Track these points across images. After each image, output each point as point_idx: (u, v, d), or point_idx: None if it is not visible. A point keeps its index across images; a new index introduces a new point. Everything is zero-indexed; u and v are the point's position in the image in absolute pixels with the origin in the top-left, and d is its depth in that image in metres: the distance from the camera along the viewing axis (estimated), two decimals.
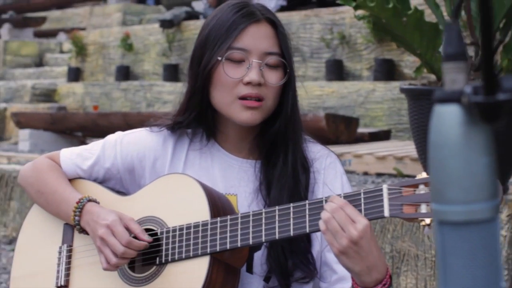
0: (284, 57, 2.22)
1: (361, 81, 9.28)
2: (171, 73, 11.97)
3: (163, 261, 2.16)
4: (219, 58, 2.19)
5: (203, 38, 2.25)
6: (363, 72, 9.50)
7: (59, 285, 2.33)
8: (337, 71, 9.56)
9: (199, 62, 2.24)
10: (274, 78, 2.20)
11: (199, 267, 2.09)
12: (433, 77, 5.18)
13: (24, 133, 10.87)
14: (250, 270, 2.22)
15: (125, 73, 12.58)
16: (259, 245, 2.19)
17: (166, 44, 12.06)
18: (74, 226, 2.28)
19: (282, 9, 11.08)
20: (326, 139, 6.17)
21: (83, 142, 11.08)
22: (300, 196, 2.21)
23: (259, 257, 2.21)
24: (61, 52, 15.72)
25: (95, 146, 2.39)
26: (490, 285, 1.08)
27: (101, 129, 10.57)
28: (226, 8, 2.25)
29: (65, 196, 2.31)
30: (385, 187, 1.91)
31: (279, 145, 2.25)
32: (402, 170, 6.17)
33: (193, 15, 12.41)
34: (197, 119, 2.29)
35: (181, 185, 2.19)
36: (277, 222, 2.02)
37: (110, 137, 2.40)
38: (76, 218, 2.25)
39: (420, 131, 4.83)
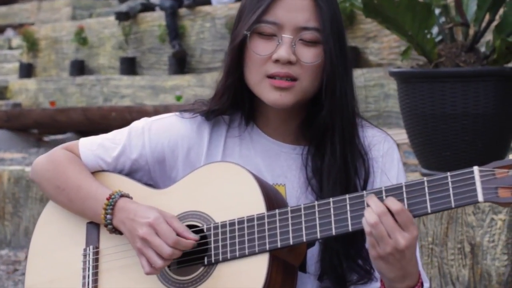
0: (324, 33, 1.96)
1: None
2: (128, 66, 11.77)
3: (213, 260, 1.91)
4: (245, 33, 1.97)
5: (239, 10, 2.04)
6: None
7: None
8: None
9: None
10: (309, 56, 1.96)
11: (258, 266, 1.85)
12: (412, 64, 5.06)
13: None
14: (303, 269, 2.00)
15: (79, 68, 12.35)
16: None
17: (122, 37, 11.83)
18: (105, 226, 2.02)
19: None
20: None
21: (40, 139, 10.79)
22: (354, 185, 2.00)
23: (313, 254, 2.00)
24: (10, 48, 15.41)
25: (118, 135, 2.13)
26: None
27: (60, 125, 10.32)
28: None
29: (92, 192, 2.05)
30: (476, 168, 1.70)
31: (328, 131, 2.00)
32: None
33: (148, 7, 12.24)
34: (234, 104, 2.06)
35: (228, 175, 1.94)
36: (348, 212, 1.81)
37: (136, 124, 2.14)
38: (108, 216, 2.00)
39: (412, 115, 4.69)
